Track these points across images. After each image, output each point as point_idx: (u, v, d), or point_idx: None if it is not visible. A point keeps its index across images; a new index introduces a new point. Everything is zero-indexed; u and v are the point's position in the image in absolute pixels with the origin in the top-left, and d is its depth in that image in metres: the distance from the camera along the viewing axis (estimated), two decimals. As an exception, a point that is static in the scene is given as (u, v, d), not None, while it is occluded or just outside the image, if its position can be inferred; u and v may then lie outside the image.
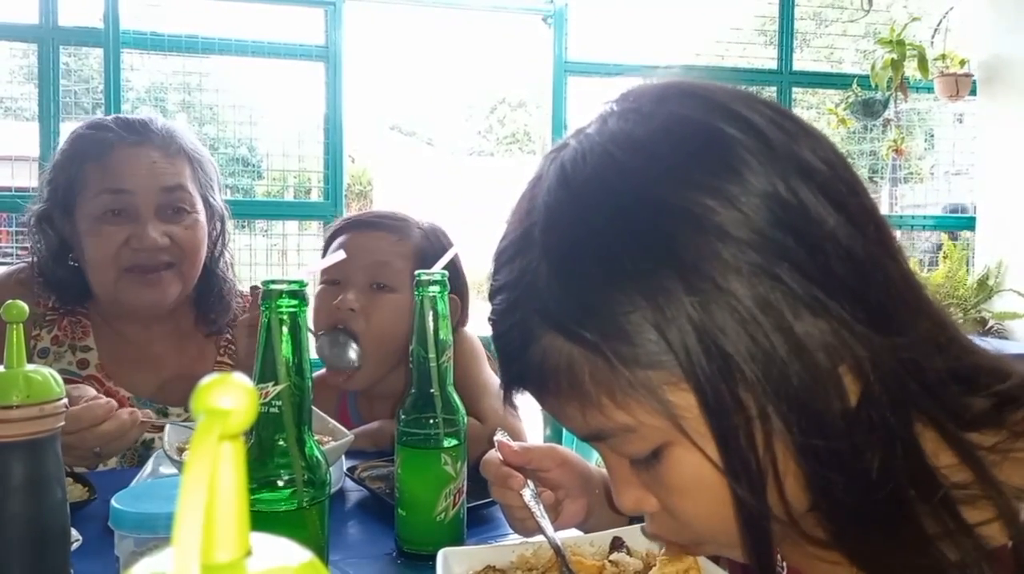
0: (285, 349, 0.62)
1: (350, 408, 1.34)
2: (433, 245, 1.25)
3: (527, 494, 0.76)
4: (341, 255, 0.95)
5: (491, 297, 0.55)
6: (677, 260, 0.47)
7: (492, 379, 1.26)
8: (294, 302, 0.62)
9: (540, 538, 0.73)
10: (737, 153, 0.48)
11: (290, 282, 0.62)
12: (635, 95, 0.53)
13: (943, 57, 3.51)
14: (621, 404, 0.50)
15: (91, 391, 1.02)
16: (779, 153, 0.48)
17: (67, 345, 1.22)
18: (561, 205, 0.50)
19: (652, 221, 0.48)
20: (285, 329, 0.62)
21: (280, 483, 0.62)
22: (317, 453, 0.65)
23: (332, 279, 1.24)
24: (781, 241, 0.46)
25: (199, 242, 1.21)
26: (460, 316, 1.30)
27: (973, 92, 3.58)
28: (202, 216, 1.22)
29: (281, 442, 0.62)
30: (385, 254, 1.23)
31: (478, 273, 1.32)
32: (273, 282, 0.62)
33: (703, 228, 0.46)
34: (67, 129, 2.91)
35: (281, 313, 0.62)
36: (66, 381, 1.15)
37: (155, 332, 1.25)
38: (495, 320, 0.55)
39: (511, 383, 0.56)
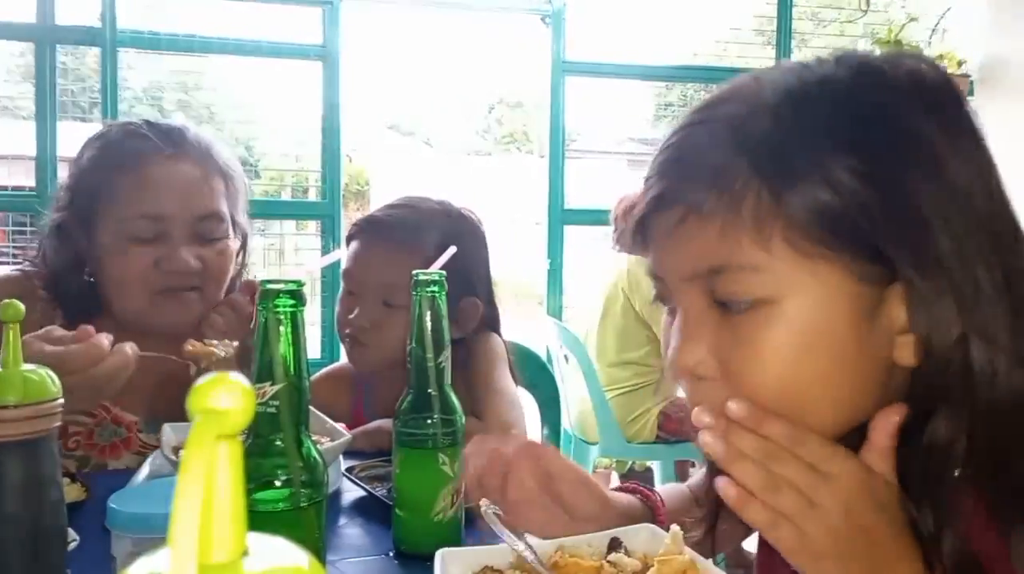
0: (283, 349, 0.61)
1: (365, 408, 1.34)
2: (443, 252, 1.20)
3: (486, 509, 0.73)
4: (338, 255, 0.95)
5: (686, 121, 0.60)
6: (905, 144, 0.54)
7: (508, 384, 1.26)
8: (292, 302, 0.62)
9: (538, 540, 0.73)
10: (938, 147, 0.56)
11: (288, 282, 0.62)
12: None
13: (940, 57, 3.51)
14: (766, 244, 0.53)
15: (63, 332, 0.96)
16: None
17: None
18: (803, 87, 0.57)
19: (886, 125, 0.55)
20: (283, 329, 0.62)
21: (277, 483, 0.62)
22: (314, 453, 0.65)
23: (348, 289, 1.24)
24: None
25: (228, 267, 1.19)
26: (487, 318, 1.29)
27: (970, 93, 3.58)
28: (232, 240, 1.19)
29: (278, 442, 0.62)
30: (394, 274, 1.17)
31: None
32: (271, 282, 0.62)
33: (928, 147, 0.55)
34: (64, 129, 2.91)
35: (279, 313, 0.62)
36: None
37: (166, 350, 1.18)
38: (682, 134, 0.59)
39: (669, 187, 0.58)
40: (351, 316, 1.22)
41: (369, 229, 1.25)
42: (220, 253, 1.16)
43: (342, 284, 1.26)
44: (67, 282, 1.15)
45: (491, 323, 1.32)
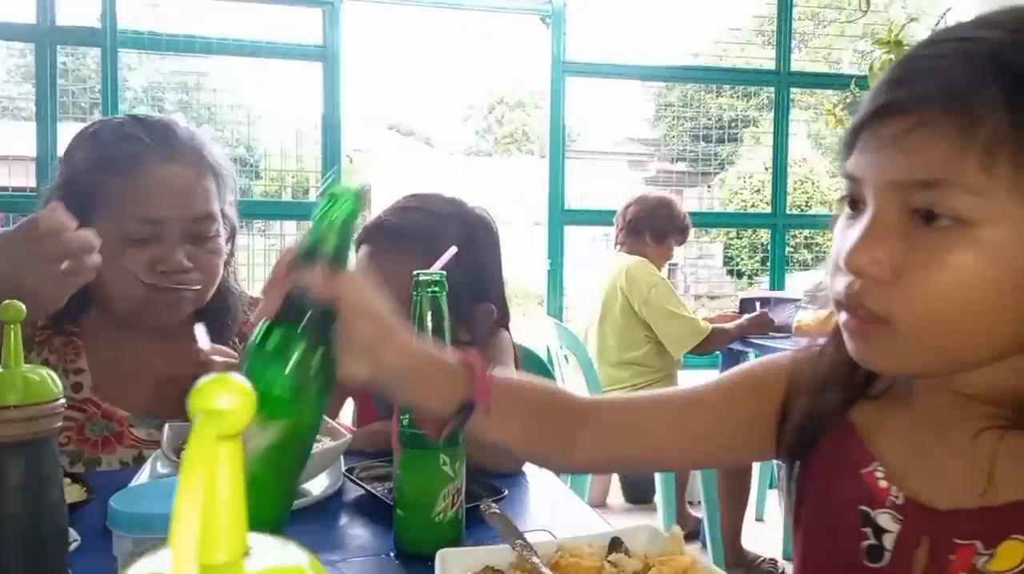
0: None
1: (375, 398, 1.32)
2: (463, 262, 1.12)
3: (487, 509, 0.77)
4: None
5: (936, 38, 0.61)
6: None
7: None
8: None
9: (538, 540, 0.73)
10: None
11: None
12: None
13: (941, 57, 3.51)
14: (991, 169, 0.54)
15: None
16: None
17: (59, 369, 1.17)
18: None
19: None
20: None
21: None
22: None
23: None
24: None
25: (219, 266, 1.21)
26: (499, 318, 1.26)
27: (971, 92, 3.58)
28: (223, 238, 1.22)
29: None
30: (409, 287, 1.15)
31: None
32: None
33: None
34: (65, 129, 2.90)
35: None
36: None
37: (155, 344, 1.22)
38: (931, 50, 0.60)
39: (903, 97, 0.58)
40: None
41: (381, 235, 1.21)
42: (211, 252, 1.19)
43: None
44: None
45: (502, 322, 1.29)
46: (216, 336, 1.25)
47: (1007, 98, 0.54)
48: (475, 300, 1.21)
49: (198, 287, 1.17)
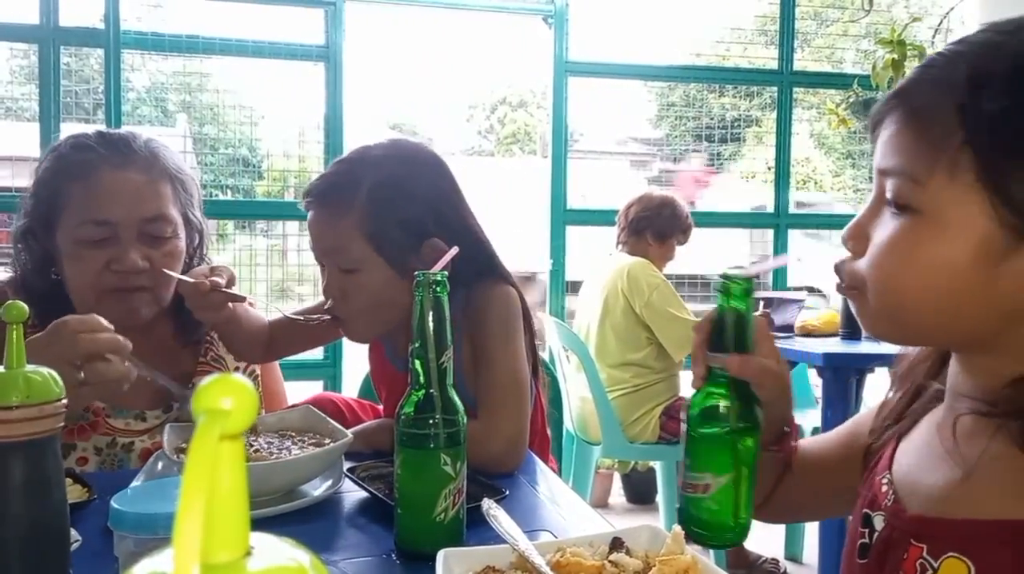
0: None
1: (392, 357, 1.31)
2: (377, 205, 1.14)
3: (487, 509, 0.78)
4: (783, 261, 0.94)
5: (961, 41, 0.66)
6: None
7: (510, 361, 1.15)
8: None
9: (539, 540, 0.73)
10: None
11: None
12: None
13: (943, 57, 3.50)
14: (933, 164, 0.61)
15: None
16: None
17: None
18: None
19: None
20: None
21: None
22: None
23: (318, 263, 1.23)
24: None
25: (175, 267, 1.25)
26: (482, 264, 1.21)
27: (973, 92, 3.56)
28: (182, 240, 1.26)
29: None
30: (333, 239, 1.17)
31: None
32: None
33: None
34: (68, 130, 2.91)
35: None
36: None
37: (132, 343, 1.25)
38: (946, 52, 0.65)
39: (902, 92, 0.66)
40: (323, 289, 1.20)
41: (309, 198, 1.20)
42: (167, 254, 1.23)
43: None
44: (38, 282, 1.23)
45: (489, 269, 1.22)
46: (189, 333, 1.33)
47: (963, 109, 0.61)
48: (413, 243, 1.15)
49: (147, 287, 1.21)
